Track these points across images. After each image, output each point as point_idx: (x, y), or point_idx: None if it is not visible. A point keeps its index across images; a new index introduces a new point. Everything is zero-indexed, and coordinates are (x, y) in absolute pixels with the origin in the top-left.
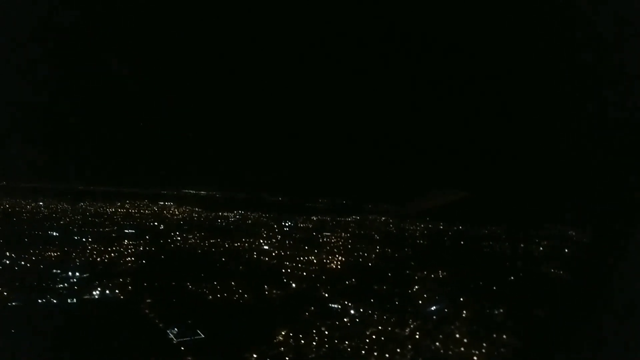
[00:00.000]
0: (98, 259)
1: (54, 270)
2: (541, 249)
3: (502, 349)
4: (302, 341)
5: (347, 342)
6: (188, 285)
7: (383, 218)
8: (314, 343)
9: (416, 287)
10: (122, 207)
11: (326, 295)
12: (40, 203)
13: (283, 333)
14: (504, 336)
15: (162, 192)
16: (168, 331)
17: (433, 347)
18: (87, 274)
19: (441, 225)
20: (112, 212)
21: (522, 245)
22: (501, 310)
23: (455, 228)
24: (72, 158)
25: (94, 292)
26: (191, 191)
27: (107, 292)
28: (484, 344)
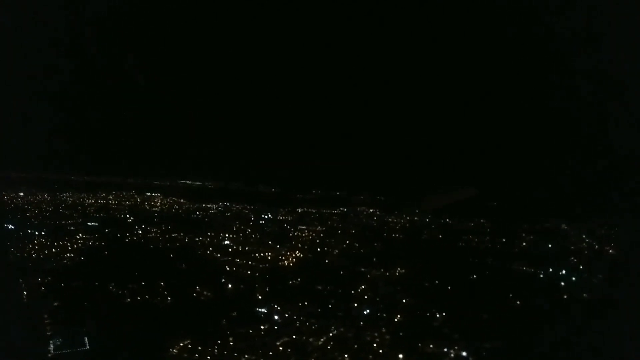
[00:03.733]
0: (34, 255)
1: None
2: (524, 244)
3: None
4: (197, 354)
5: (246, 356)
6: (110, 287)
7: (370, 210)
8: (209, 357)
9: (362, 287)
10: (104, 197)
11: (259, 297)
12: (21, 193)
13: (181, 344)
14: (431, 345)
15: (155, 182)
16: (51, 341)
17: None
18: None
19: (428, 219)
20: (90, 203)
21: (503, 240)
22: (444, 314)
23: (441, 221)
24: (76, 148)
25: None
26: (187, 182)
27: (14, 293)
28: (400, 355)
